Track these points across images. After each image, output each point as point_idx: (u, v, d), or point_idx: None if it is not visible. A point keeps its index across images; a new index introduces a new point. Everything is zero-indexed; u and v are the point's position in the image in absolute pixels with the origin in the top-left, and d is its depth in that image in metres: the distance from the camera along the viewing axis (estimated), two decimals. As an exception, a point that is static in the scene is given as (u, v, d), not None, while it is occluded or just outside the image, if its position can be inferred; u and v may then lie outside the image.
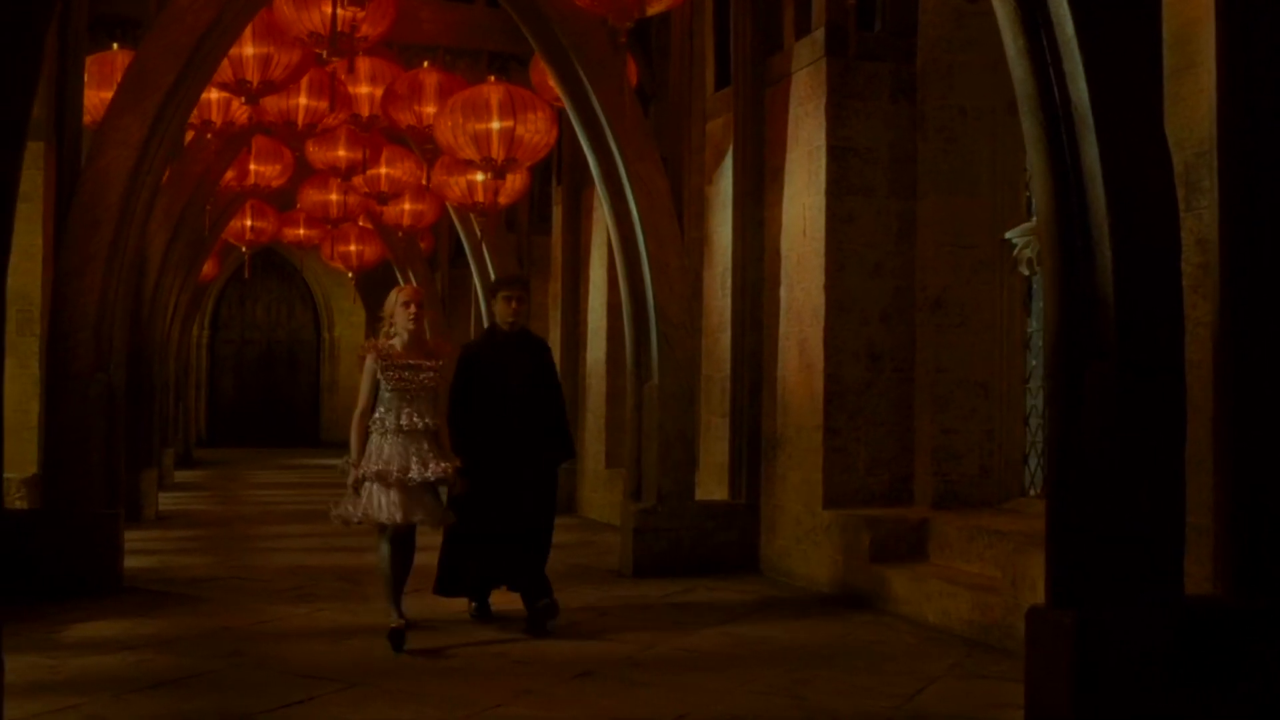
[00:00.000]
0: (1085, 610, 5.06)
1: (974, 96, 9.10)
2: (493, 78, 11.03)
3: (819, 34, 9.31)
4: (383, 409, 7.15)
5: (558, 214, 15.33)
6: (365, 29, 9.97)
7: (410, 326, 7.21)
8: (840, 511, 9.02)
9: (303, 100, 11.43)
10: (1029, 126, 5.21)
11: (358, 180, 14.41)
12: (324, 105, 11.53)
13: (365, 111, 12.18)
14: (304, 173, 16.00)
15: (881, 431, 9.25)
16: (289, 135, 11.90)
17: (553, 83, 11.47)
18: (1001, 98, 9.04)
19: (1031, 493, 8.86)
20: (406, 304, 7.26)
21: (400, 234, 17.25)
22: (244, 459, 25.52)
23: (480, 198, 13.21)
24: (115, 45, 10.89)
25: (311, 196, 16.81)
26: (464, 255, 20.52)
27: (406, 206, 16.25)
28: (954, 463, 9.00)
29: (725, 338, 10.38)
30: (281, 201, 18.17)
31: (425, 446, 7.12)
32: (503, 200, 13.40)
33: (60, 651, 6.76)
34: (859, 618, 8.07)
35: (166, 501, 14.76)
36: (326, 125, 11.84)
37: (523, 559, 7.69)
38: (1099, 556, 5.10)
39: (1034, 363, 8.91)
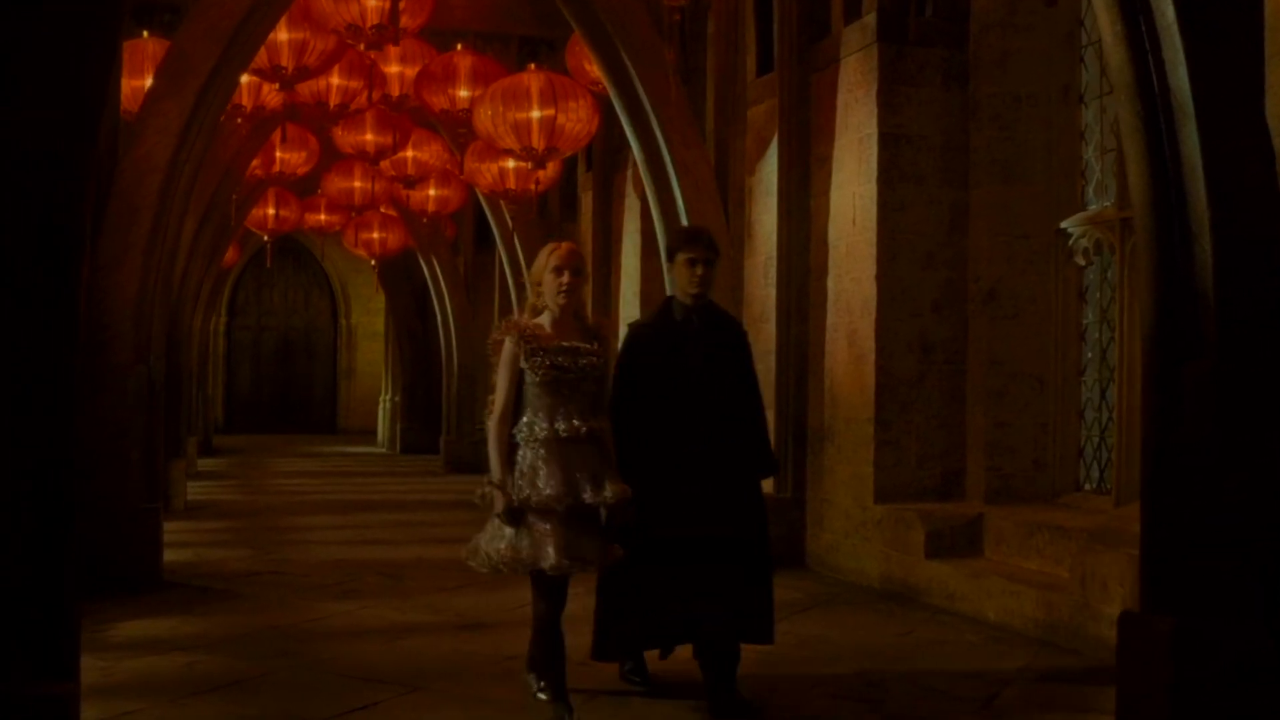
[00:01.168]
0: (1183, 616, 4.89)
1: (1029, 83, 8.90)
2: (533, 65, 10.85)
3: (870, 19, 9.11)
4: (530, 411, 5.37)
5: (587, 201, 15.18)
6: (405, 20, 9.84)
7: (562, 300, 5.41)
8: (892, 506, 8.85)
9: (335, 80, 11.29)
10: (1125, 115, 5.02)
11: (385, 164, 14.24)
12: (356, 84, 11.39)
13: (396, 91, 12.04)
14: (327, 160, 15.88)
15: (933, 425, 9.07)
16: (321, 116, 11.72)
17: (589, 66, 11.34)
18: (1057, 84, 8.88)
19: (1087, 487, 8.69)
20: (559, 269, 5.42)
21: (425, 220, 17.09)
22: (262, 447, 25.45)
23: (512, 185, 13.05)
24: (145, 33, 10.71)
25: (336, 183, 16.67)
26: (488, 241, 20.44)
27: (432, 192, 16.12)
28: (1007, 456, 8.82)
29: (768, 328, 10.21)
30: (301, 188, 18.03)
31: (593, 459, 5.36)
32: (535, 187, 13.23)
33: (109, 652, 6.61)
34: (916, 615, 7.90)
35: (193, 491, 14.62)
36: (359, 105, 11.67)
37: (719, 602, 5.63)
38: (1196, 560, 4.92)
39: (1089, 355, 8.74)
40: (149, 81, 9.22)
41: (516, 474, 5.33)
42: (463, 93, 11.47)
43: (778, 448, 9.93)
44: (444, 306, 20.06)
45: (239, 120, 11.71)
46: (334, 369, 30.82)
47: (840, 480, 9.40)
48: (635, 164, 13.77)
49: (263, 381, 30.36)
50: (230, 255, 20.84)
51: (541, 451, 5.32)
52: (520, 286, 15.32)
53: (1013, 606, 7.47)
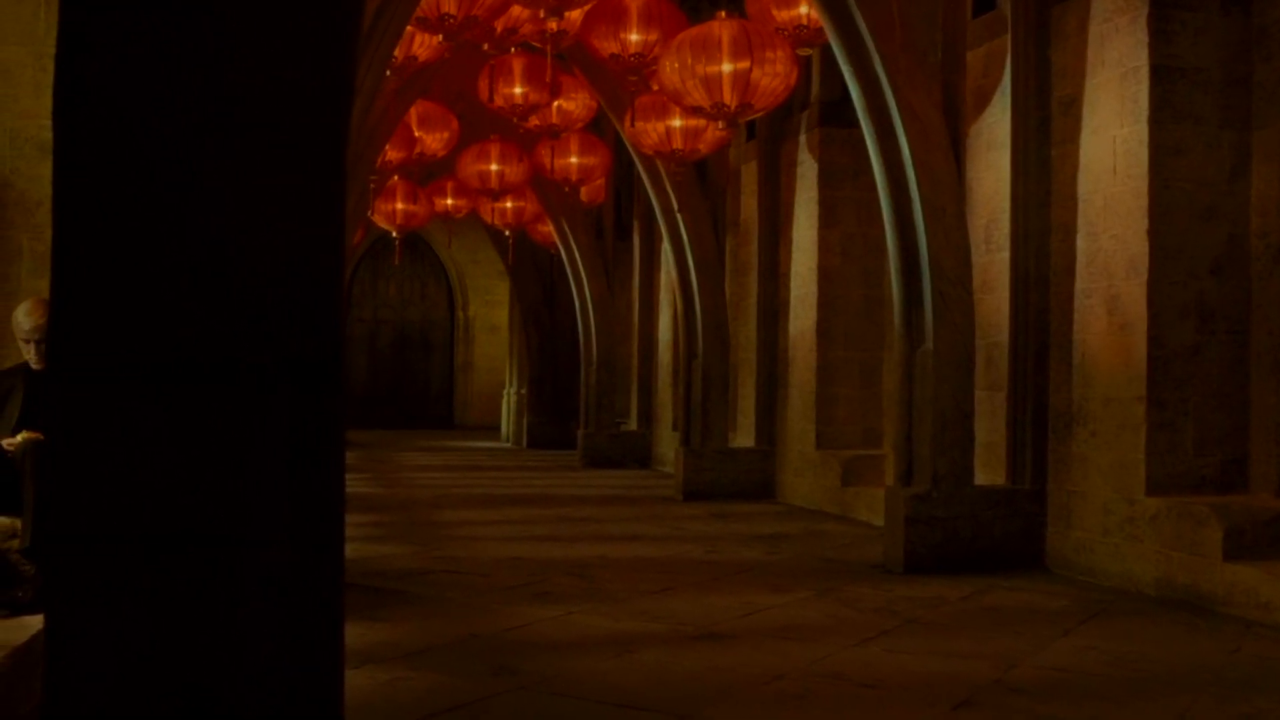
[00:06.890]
0: None
1: (1325, 5, 7.63)
2: (723, 13, 9.73)
3: (1135, -66, 7.87)
4: None
5: (749, 172, 13.99)
6: None
7: None
8: (1170, 499, 7.59)
9: (499, 5, 10.31)
10: None
11: (533, 120, 13.14)
12: (520, 12, 10.42)
13: (554, 25, 10.98)
14: (463, 142, 14.98)
15: (1212, 405, 7.80)
16: (482, 37, 10.66)
17: (776, 12, 10.19)
18: (1363, 5, 7.60)
19: (1404, 478, 7.41)
20: None
21: (567, 189, 16.00)
22: (382, 441, 24.57)
23: (679, 144, 11.94)
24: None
25: (471, 166, 15.71)
26: (626, 229, 19.39)
27: (574, 159, 15.05)
28: (1303, 442, 7.56)
29: (994, 298, 9.00)
30: (423, 175, 17.10)
31: None
32: (703, 148, 12.12)
33: (295, 666, 5.55)
34: (1227, 628, 6.63)
35: (329, 485, 13.67)
36: (517, 25, 10.62)
37: None
38: None
39: (1402, 322, 7.45)
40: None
41: None
42: (633, 36, 10.40)
43: (1011, 431, 8.76)
44: (583, 293, 18.94)
45: (388, 73, 10.72)
46: (451, 363, 29.88)
47: (1096, 469, 8.15)
48: (808, 130, 12.67)
49: (379, 375, 29.50)
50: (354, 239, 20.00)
51: None
52: (684, 267, 14.10)
53: (1361, 619, 6.19)
